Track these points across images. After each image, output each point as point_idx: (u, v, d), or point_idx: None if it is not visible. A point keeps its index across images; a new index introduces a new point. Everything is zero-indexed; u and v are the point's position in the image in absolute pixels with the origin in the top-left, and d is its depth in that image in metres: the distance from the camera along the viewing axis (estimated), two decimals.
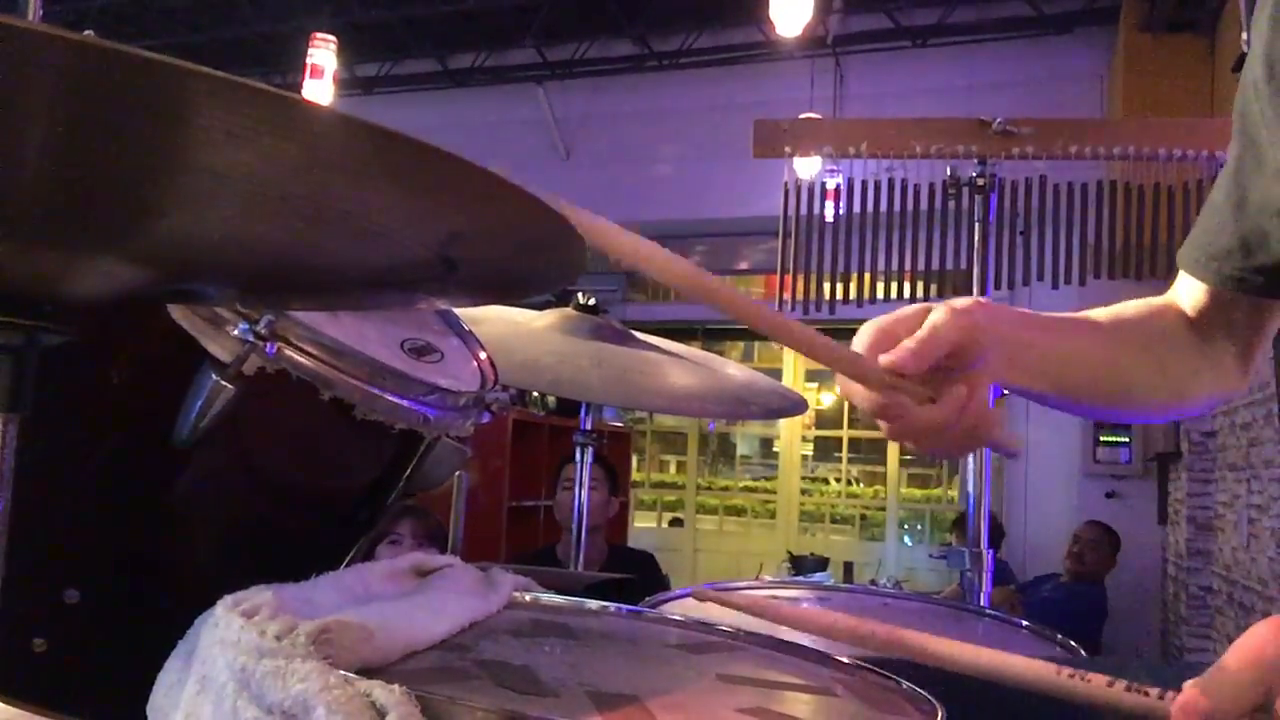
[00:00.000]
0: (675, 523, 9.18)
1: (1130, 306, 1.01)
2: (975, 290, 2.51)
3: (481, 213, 0.59)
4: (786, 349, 9.34)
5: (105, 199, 0.52)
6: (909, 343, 0.75)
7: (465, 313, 1.11)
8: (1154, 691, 0.52)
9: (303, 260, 0.64)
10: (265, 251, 0.62)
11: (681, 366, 1.67)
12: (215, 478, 0.87)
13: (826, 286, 2.92)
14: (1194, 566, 5.18)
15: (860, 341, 0.78)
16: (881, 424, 0.78)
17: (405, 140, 0.49)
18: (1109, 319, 0.97)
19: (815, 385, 9.14)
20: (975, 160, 2.57)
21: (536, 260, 0.69)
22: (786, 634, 0.80)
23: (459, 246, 0.62)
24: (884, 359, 0.75)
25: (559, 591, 0.85)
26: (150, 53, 0.41)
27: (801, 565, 6.58)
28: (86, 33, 0.42)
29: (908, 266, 2.93)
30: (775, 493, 9.01)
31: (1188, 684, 0.51)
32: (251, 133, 0.46)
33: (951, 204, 2.73)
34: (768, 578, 4.80)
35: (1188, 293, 1.02)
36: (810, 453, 9.18)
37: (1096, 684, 0.53)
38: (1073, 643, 1.19)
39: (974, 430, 0.78)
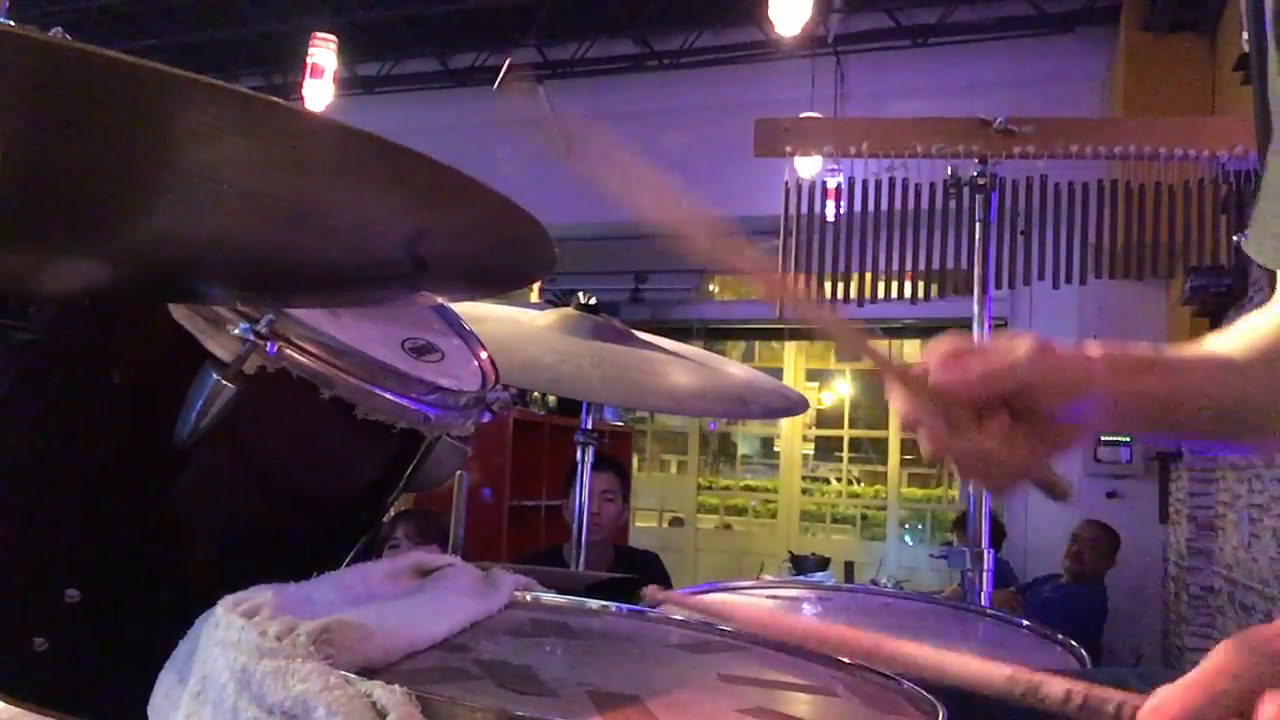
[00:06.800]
0: (676, 522, 9.18)
1: (1252, 324, 0.90)
2: (976, 290, 2.51)
3: (446, 210, 0.59)
4: (787, 347, 9.29)
5: (70, 199, 0.52)
6: (973, 371, 0.69)
7: (466, 312, 1.11)
8: (1110, 709, 0.51)
9: (273, 258, 0.64)
10: (227, 248, 0.62)
11: (682, 366, 1.67)
12: (216, 477, 0.86)
13: (827, 286, 2.92)
14: (1195, 566, 5.18)
15: (931, 352, 0.72)
16: (920, 439, 0.73)
17: (368, 137, 0.49)
18: (1241, 352, 0.86)
19: (816, 385, 9.15)
20: (976, 160, 2.56)
21: (506, 257, 0.70)
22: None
23: (426, 244, 0.63)
24: (933, 379, 0.70)
25: (560, 591, 0.85)
26: (115, 53, 0.40)
27: (802, 565, 6.58)
28: (54, 31, 0.42)
29: (909, 266, 2.93)
30: (776, 492, 9.01)
31: (1158, 691, 0.51)
32: (215, 132, 0.46)
33: (952, 203, 2.73)
34: (769, 577, 4.80)
35: None
36: (811, 452, 9.18)
37: (1051, 701, 0.52)
38: (1073, 643, 1.19)
39: (1020, 467, 0.72)
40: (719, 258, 0.66)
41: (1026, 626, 1.31)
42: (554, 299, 5.73)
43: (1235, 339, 0.88)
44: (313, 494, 0.94)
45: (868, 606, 1.37)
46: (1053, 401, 0.71)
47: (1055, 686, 0.52)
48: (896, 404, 0.72)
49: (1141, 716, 0.50)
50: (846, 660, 0.74)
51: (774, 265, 0.68)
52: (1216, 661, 0.50)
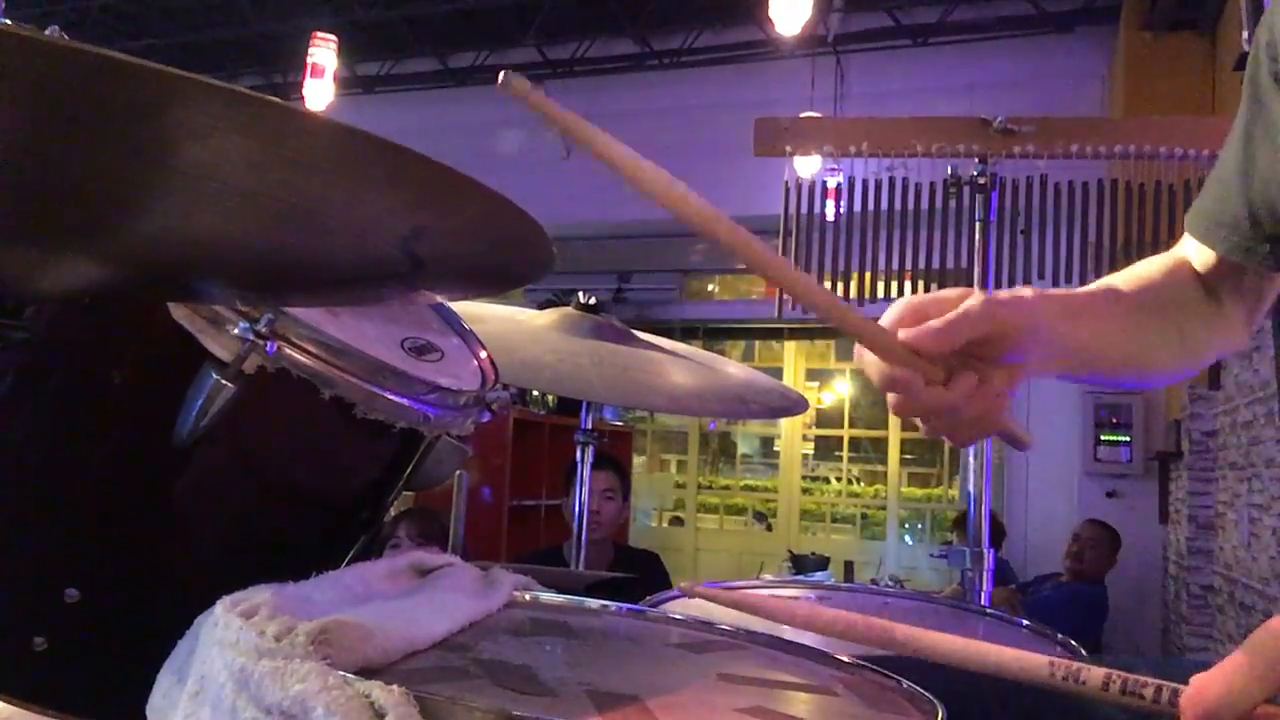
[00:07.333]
0: (675, 522, 9.18)
1: (1150, 269, 1.00)
2: (976, 289, 2.51)
3: (444, 209, 0.60)
4: (787, 347, 9.25)
5: (69, 199, 0.52)
6: (935, 323, 0.75)
7: (466, 311, 1.11)
8: (1149, 692, 0.51)
9: (272, 257, 0.64)
10: (226, 248, 0.62)
11: (682, 365, 1.67)
12: (215, 477, 0.86)
13: (827, 285, 2.92)
14: (1195, 566, 5.18)
15: (890, 315, 0.77)
16: (888, 397, 0.78)
17: (366, 137, 0.49)
18: (1132, 288, 0.96)
19: (816, 384, 9.15)
20: (976, 159, 2.57)
21: (504, 256, 0.70)
22: (788, 633, 0.79)
23: (423, 243, 0.63)
24: (903, 334, 0.75)
25: (560, 591, 0.85)
26: (111, 52, 0.41)
27: (802, 564, 6.58)
28: (51, 30, 0.42)
29: (908, 265, 2.93)
30: (776, 492, 9.01)
31: (1196, 676, 0.51)
32: (213, 131, 0.46)
33: (952, 203, 2.73)
34: (768, 577, 4.80)
35: (1197, 254, 1.01)
36: (811, 452, 9.18)
37: (1091, 686, 0.53)
38: (1073, 642, 1.19)
39: (982, 418, 0.78)
40: (718, 236, 0.69)
41: (1026, 626, 1.30)
42: (553, 298, 5.73)
43: (1130, 280, 0.98)
44: (312, 493, 0.94)
45: (867, 606, 1.37)
46: (1003, 345, 0.77)
47: (1095, 673, 0.53)
48: (868, 366, 0.77)
49: (1184, 699, 0.50)
50: (846, 659, 0.74)
51: (770, 248, 0.73)
52: (1254, 643, 0.51)
